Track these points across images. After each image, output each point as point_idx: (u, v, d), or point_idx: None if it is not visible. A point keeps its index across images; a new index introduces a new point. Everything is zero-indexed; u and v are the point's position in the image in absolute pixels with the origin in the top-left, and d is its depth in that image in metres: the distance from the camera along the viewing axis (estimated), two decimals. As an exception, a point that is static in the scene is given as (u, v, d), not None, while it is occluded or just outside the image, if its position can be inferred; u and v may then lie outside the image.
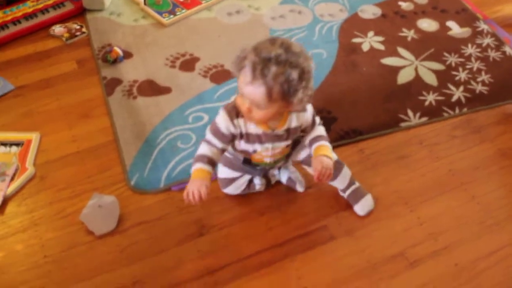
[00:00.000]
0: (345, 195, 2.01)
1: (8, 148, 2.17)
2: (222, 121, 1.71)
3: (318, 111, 2.29)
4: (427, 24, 2.85)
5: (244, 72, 1.53)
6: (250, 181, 2.00)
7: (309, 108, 1.79)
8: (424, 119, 2.34)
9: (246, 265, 1.85)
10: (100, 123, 2.30)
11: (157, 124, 2.28)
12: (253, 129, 1.72)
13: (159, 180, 2.08)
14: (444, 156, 2.21)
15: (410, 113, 2.36)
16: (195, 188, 1.66)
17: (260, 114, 1.60)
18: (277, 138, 1.76)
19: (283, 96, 1.53)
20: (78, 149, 2.19)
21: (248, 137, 1.75)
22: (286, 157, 1.93)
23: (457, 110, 2.39)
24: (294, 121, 1.75)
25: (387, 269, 1.85)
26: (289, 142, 1.82)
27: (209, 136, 1.75)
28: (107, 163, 2.15)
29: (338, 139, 2.23)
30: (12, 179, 2.06)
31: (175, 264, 1.84)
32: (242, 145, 1.78)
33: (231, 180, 1.98)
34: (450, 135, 2.29)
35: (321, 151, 1.79)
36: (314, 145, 1.82)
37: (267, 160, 1.84)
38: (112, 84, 2.46)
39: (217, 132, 1.73)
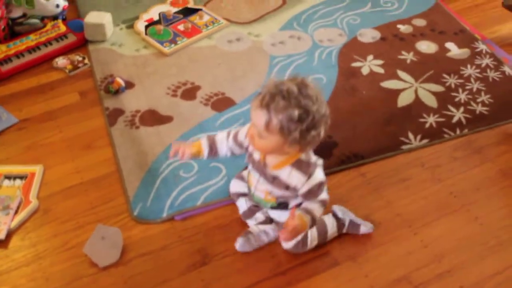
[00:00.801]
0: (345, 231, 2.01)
1: (12, 181, 2.19)
2: (244, 132, 1.79)
3: (318, 136, 2.31)
4: (426, 46, 2.87)
5: (257, 97, 1.60)
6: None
7: (316, 177, 1.72)
8: (425, 141, 2.35)
9: (250, 293, 1.86)
10: (102, 154, 2.32)
11: (159, 154, 2.29)
12: (257, 153, 1.77)
13: (162, 209, 2.09)
14: (445, 178, 2.21)
15: (411, 135, 2.37)
16: (183, 148, 1.83)
17: (260, 143, 1.64)
18: (264, 175, 1.77)
19: (280, 131, 1.56)
20: (81, 181, 2.21)
21: (249, 155, 1.81)
22: (271, 208, 1.91)
23: (457, 131, 2.39)
24: (285, 174, 1.72)
25: (391, 294, 1.85)
26: (271, 190, 1.80)
27: (232, 132, 1.85)
28: (110, 194, 2.16)
29: (339, 164, 2.24)
30: (16, 212, 2.07)
31: (179, 294, 1.85)
32: (246, 158, 1.84)
33: (241, 195, 2.03)
34: (451, 156, 2.30)
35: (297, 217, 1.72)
36: (296, 211, 1.73)
37: (252, 189, 1.88)
38: (114, 115, 2.48)
39: (237, 136, 1.82)
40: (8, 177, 2.21)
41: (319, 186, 1.74)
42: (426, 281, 1.88)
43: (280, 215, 1.90)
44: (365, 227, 1.99)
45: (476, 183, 2.20)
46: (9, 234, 2.02)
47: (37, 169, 2.23)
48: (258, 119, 1.57)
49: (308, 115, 1.54)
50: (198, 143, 1.86)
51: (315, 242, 1.93)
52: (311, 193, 1.74)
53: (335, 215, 1.99)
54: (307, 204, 1.77)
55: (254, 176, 1.83)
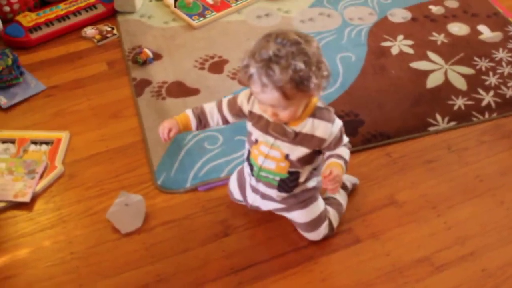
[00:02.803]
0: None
1: (38, 147, 2.21)
2: (244, 93, 1.70)
3: (345, 114, 2.31)
4: (458, 28, 2.82)
5: (253, 81, 1.47)
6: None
7: (337, 122, 1.66)
8: (452, 123, 2.32)
9: (271, 266, 1.85)
10: (129, 123, 2.33)
11: (185, 125, 2.29)
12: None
13: (186, 180, 2.09)
14: (472, 162, 2.19)
15: (438, 117, 2.34)
16: (166, 126, 1.74)
17: (286, 113, 1.53)
18: (283, 133, 1.64)
19: (299, 89, 1.45)
20: (106, 149, 2.22)
21: (258, 119, 1.68)
22: (278, 186, 1.77)
23: (486, 115, 2.36)
24: (308, 127, 1.62)
25: (412, 273, 1.83)
26: (290, 150, 1.67)
27: (225, 98, 1.77)
28: (135, 163, 2.17)
29: (365, 142, 2.23)
30: (41, 176, 2.09)
31: (200, 264, 1.85)
32: (249, 126, 1.73)
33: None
34: (478, 140, 2.27)
35: (333, 164, 1.67)
36: (329, 160, 1.69)
37: (260, 161, 1.72)
38: (141, 85, 2.49)
39: (233, 99, 1.73)
40: (34, 142, 2.23)
41: (342, 130, 1.68)
42: (448, 262, 1.87)
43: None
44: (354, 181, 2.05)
45: (503, 168, 2.17)
46: (34, 198, 2.04)
47: (64, 136, 2.25)
48: (271, 98, 1.47)
49: (309, 56, 1.43)
50: (184, 116, 1.77)
51: (337, 223, 1.94)
52: (339, 139, 1.68)
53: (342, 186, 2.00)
54: (335, 151, 1.69)
55: (266, 143, 1.68)
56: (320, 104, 1.63)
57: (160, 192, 2.06)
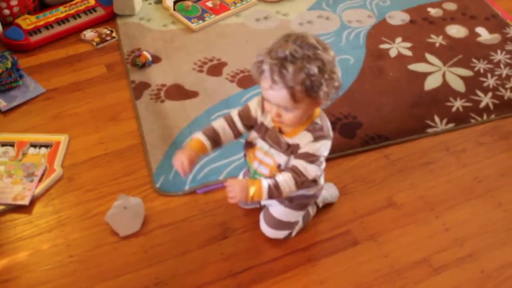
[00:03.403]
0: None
1: (37, 150, 2.21)
2: (255, 103, 1.67)
3: (344, 116, 2.32)
4: (456, 30, 2.83)
5: (264, 77, 1.46)
6: None
7: (320, 144, 1.60)
8: (451, 125, 2.32)
9: (269, 269, 1.85)
10: (127, 126, 2.33)
11: (184, 128, 2.30)
12: (268, 120, 1.66)
13: (184, 183, 2.10)
14: (470, 163, 2.19)
15: (436, 119, 2.34)
16: (185, 160, 1.64)
17: (290, 116, 1.52)
18: (278, 143, 1.64)
19: (308, 94, 1.44)
20: (105, 152, 2.23)
21: (260, 126, 1.68)
22: None
23: (484, 117, 2.36)
24: (299, 138, 1.61)
25: (410, 275, 1.84)
26: (283, 161, 1.65)
27: (233, 113, 1.71)
28: (134, 166, 2.17)
29: (363, 144, 2.23)
30: (40, 179, 2.09)
31: (198, 266, 1.86)
32: (252, 133, 1.73)
33: None
34: (477, 141, 2.27)
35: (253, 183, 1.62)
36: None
37: (255, 165, 1.73)
38: (140, 88, 2.49)
39: (245, 112, 1.69)
40: (33, 145, 2.23)
41: (315, 155, 1.60)
42: (447, 264, 1.87)
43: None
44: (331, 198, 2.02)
45: (501, 169, 2.17)
46: (33, 201, 2.05)
47: (63, 139, 2.25)
48: (279, 96, 1.46)
49: (324, 63, 1.43)
50: (198, 142, 1.68)
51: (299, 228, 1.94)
52: (305, 156, 1.60)
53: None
54: (284, 172, 1.63)
55: (261, 149, 1.69)
56: (318, 120, 1.61)
57: (159, 195, 2.07)
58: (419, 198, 2.06)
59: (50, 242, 1.93)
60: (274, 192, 1.61)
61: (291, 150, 1.63)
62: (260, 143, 1.69)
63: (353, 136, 2.25)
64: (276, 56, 1.42)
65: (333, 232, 1.95)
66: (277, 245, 1.91)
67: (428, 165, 2.18)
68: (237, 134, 1.73)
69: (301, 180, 1.61)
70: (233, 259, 1.88)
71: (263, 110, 1.65)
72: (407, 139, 2.27)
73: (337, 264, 1.87)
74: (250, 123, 1.70)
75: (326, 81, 1.45)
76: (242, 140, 1.83)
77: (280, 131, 1.64)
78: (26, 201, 2.02)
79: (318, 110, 1.62)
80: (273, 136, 1.65)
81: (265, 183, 1.61)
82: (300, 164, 1.61)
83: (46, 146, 2.23)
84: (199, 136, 1.69)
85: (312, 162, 1.61)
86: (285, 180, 1.61)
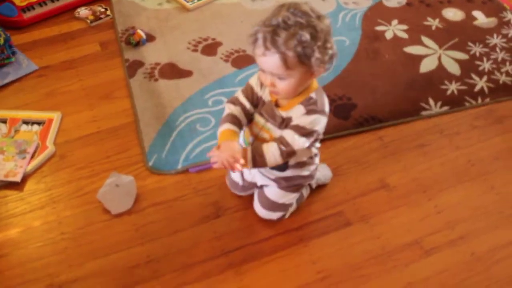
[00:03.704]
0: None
1: (30, 127, 2.20)
2: (255, 78, 1.67)
3: (338, 97, 2.31)
4: (452, 14, 2.82)
5: (257, 45, 1.46)
6: None
7: (312, 118, 1.58)
8: (445, 108, 2.32)
9: (261, 248, 1.86)
10: (121, 104, 2.32)
11: (177, 107, 2.29)
12: (265, 94, 1.65)
13: (177, 161, 2.09)
14: (464, 146, 2.19)
15: (431, 102, 2.34)
16: (228, 155, 1.57)
17: (284, 85, 1.50)
18: (273, 117, 1.63)
19: (300, 60, 1.43)
20: (98, 130, 2.22)
21: (258, 100, 1.68)
22: None
23: (479, 100, 2.36)
24: (296, 111, 1.59)
25: (401, 257, 1.84)
26: (278, 133, 1.63)
27: (238, 93, 1.70)
28: (126, 144, 2.17)
29: (357, 126, 2.22)
30: (32, 156, 2.09)
31: (190, 245, 1.86)
32: None
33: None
34: (471, 125, 2.27)
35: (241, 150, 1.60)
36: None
37: (250, 140, 1.72)
38: (134, 67, 2.48)
39: (248, 91, 1.68)
40: (26, 122, 2.22)
41: (305, 128, 1.58)
42: (438, 246, 1.87)
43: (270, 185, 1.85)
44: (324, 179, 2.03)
45: (495, 153, 2.17)
46: (25, 178, 2.04)
47: (55, 116, 2.24)
48: (271, 63, 1.45)
49: (317, 30, 1.42)
50: (230, 132, 1.64)
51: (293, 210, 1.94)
52: (294, 128, 1.58)
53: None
54: (270, 142, 1.63)
55: (257, 123, 1.68)
56: (313, 94, 1.59)
57: (151, 173, 2.06)
58: (412, 181, 2.06)
59: (41, 219, 1.93)
60: (258, 159, 1.61)
61: (286, 123, 1.62)
62: (256, 117, 1.69)
63: (347, 118, 2.24)
64: (270, 23, 1.43)
65: (326, 212, 1.95)
66: (269, 225, 1.91)
67: (422, 147, 2.18)
68: (247, 113, 1.70)
69: (287, 150, 1.60)
70: (225, 238, 1.88)
71: (261, 85, 1.65)
72: (401, 121, 2.27)
73: (329, 245, 1.87)
74: (255, 101, 1.69)
75: (319, 48, 1.44)
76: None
77: (276, 105, 1.63)
78: (17, 178, 2.01)
79: (315, 85, 1.60)
80: (269, 110, 1.64)
81: (249, 150, 1.61)
82: (288, 133, 1.59)
83: (39, 123, 2.22)
84: (228, 127, 1.65)
85: (302, 134, 1.58)
86: (268, 148, 1.60)
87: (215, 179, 2.04)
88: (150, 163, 2.08)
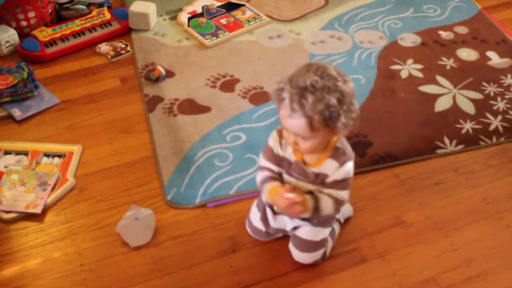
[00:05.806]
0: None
1: (51, 159, 2.24)
2: (272, 141, 1.69)
3: (354, 135, 2.33)
4: (467, 54, 2.85)
5: (283, 105, 1.49)
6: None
7: (346, 167, 1.65)
8: (460, 146, 2.34)
9: (278, 283, 1.86)
10: (140, 138, 2.36)
11: (196, 142, 2.32)
12: (289, 154, 1.68)
13: (195, 196, 2.12)
14: (479, 184, 2.20)
15: (446, 140, 2.36)
16: (281, 199, 1.62)
17: (307, 145, 1.54)
18: (305, 175, 1.67)
19: (326, 124, 1.47)
20: (118, 163, 2.25)
21: (282, 161, 1.70)
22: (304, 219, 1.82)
23: (494, 139, 2.38)
24: (325, 167, 1.64)
25: (418, 294, 1.85)
26: (313, 188, 1.70)
27: (263, 162, 1.73)
28: (145, 178, 2.20)
29: (373, 163, 2.25)
30: (53, 188, 2.12)
31: (207, 279, 1.87)
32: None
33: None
34: (486, 163, 2.29)
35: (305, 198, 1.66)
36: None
37: None
38: (153, 102, 2.52)
39: (270, 154, 1.70)
40: (47, 154, 2.26)
41: (345, 180, 1.66)
42: (454, 283, 1.87)
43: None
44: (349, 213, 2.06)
45: (510, 192, 2.18)
46: (45, 209, 2.07)
47: (76, 149, 2.28)
48: (297, 125, 1.49)
49: (343, 95, 1.46)
50: (278, 186, 1.68)
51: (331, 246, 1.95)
52: (335, 185, 1.66)
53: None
54: (322, 193, 1.69)
55: (289, 182, 1.70)
56: (339, 144, 1.64)
57: (170, 207, 2.09)
58: (428, 218, 2.08)
59: (61, 250, 1.95)
60: (315, 211, 1.68)
61: (320, 179, 1.66)
62: (286, 178, 1.72)
63: (364, 155, 2.27)
64: (297, 85, 1.45)
65: (342, 249, 1.96)
66: (286, 260, 1.92)
67: (437, 185, 2.20)
68: (280, 173, 1.73)
69: (339, 207, 1.71)
70: (241, 273, 1.89)
71: (281, 144, 1.67)
72: (417, 159, 2.29)
73: (345, 281, 1.87)
74: (279, 162, 1.71)
75: (344, 112, 1.47)
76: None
77: (304, 163, 1.66)
78: (38, 210, 2.04)
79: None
80: (298, 169, 1.67)
81: (309, 199, 1.67)
82: (332, 193, 1.67)
83: (60, 156, 2.26)
84: (275, 182, 1.70)
85: (343, 188, 1.68)
86: (326, 202, 1.68)
87: (232, 213, 2.06)
88: (169, 197, 2.11)
